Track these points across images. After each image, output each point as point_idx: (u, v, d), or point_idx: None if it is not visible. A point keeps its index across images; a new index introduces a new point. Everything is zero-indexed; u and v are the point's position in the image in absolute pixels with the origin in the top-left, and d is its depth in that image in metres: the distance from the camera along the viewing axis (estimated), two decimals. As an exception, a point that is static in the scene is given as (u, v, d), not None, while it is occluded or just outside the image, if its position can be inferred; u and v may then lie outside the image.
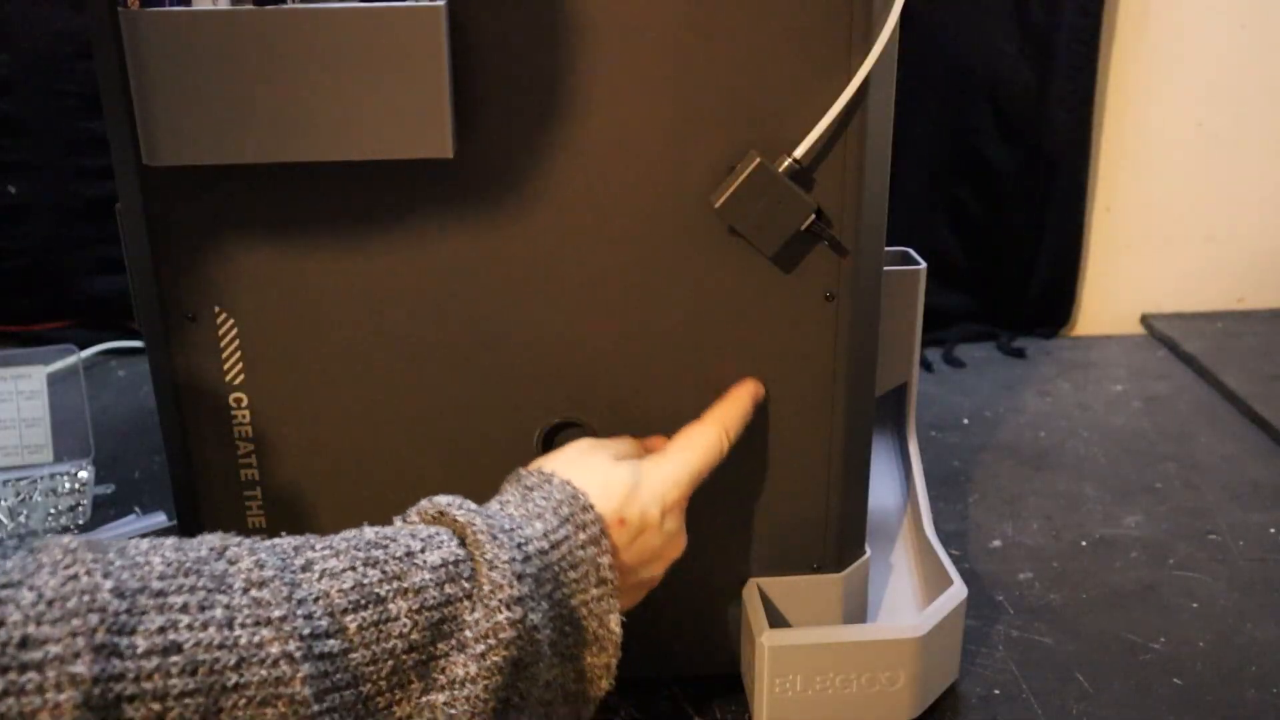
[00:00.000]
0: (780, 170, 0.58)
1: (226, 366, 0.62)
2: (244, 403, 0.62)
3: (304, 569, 0.47)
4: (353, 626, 0.46)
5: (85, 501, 0.91)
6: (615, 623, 0.54)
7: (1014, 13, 1.17)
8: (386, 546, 0.49)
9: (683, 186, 0.59)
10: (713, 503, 0.66)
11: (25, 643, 0.38)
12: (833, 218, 0.60)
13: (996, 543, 0.88)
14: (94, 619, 0.40)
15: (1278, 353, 1.20)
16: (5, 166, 1.16)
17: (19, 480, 0.93)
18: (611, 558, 0.54)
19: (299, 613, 0.44)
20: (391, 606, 0.47)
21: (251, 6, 0.53)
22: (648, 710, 0.69)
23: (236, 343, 0.61)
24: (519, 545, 0.51)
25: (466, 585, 0.49)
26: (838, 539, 0.68)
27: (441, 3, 0.53)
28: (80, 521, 0.89)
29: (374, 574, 0.47)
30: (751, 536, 0.68)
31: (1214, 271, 1.30)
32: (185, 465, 0.63)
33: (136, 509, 0.91)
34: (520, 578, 0.49)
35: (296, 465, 0.64)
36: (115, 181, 0.58)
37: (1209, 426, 1.06)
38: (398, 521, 0.53)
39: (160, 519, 0.86)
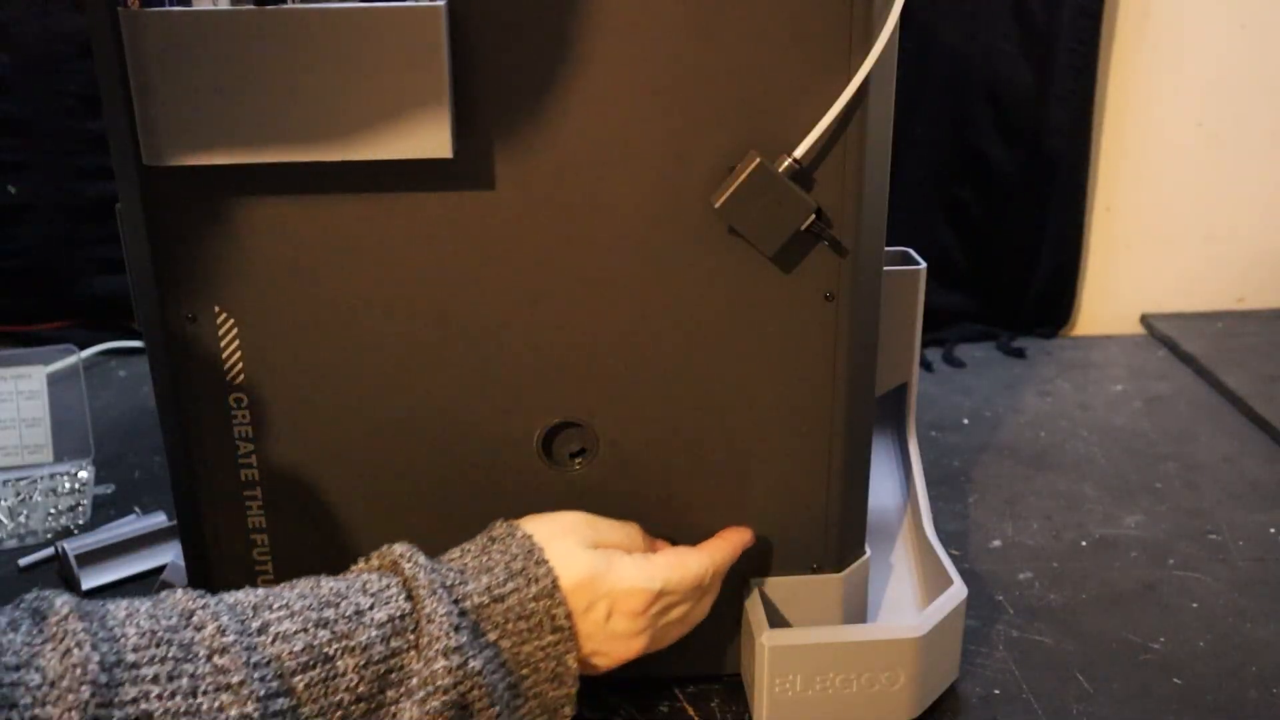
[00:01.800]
0: (780, 170, 0.58)
1: (226, 366, 0.62)
2: (244, 403, 0.62)
3: (260, 631, 0.51)
4: (300, 685, 0.51)
5: (85, 501, 0.91)
6: (573, 660, 0.58)
7: (1014, 13, 1.17)
8: (338, 605, 0.53)
9: (683, 186, 0.59)
10: (713, 504, 0.66)
11: None
12: (833, 218, 0.60)
13: (996, 543, 0.88)
14: (86, 692, 0.45)
15: (1278, 353, 1.20)
16: (5, 166, 1.16)
17: (19, 480, 0.93)
18: (566, 607, 0.57)
19: (255, 676, 0.49)
20: (339, 664, 0.52)
21: (251, 6, 0.53)
22: (648, 710, 0.69)
23: (236, 343, 0.61)
24: (455, 601, 0.55)
25: (411, 637, 0.54)
26: (838, 539, 0.68)
27: (441, 3, 0.53)
28: (80, 521, 0.89)
29: (324, 634, 0.52)
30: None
31: (1214, 271, 1.30)
32: (185, 465, 0.63)
33: (136, 509, 0.91)
34: (457, 629, 0.54)
35: (296, 465, 0.64)
36: (115, 181, 0.58)
37: (1209, 426, 1.06)
38: (361, 561, 0.58)
39: (160, 519, 0.86)
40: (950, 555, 0.74)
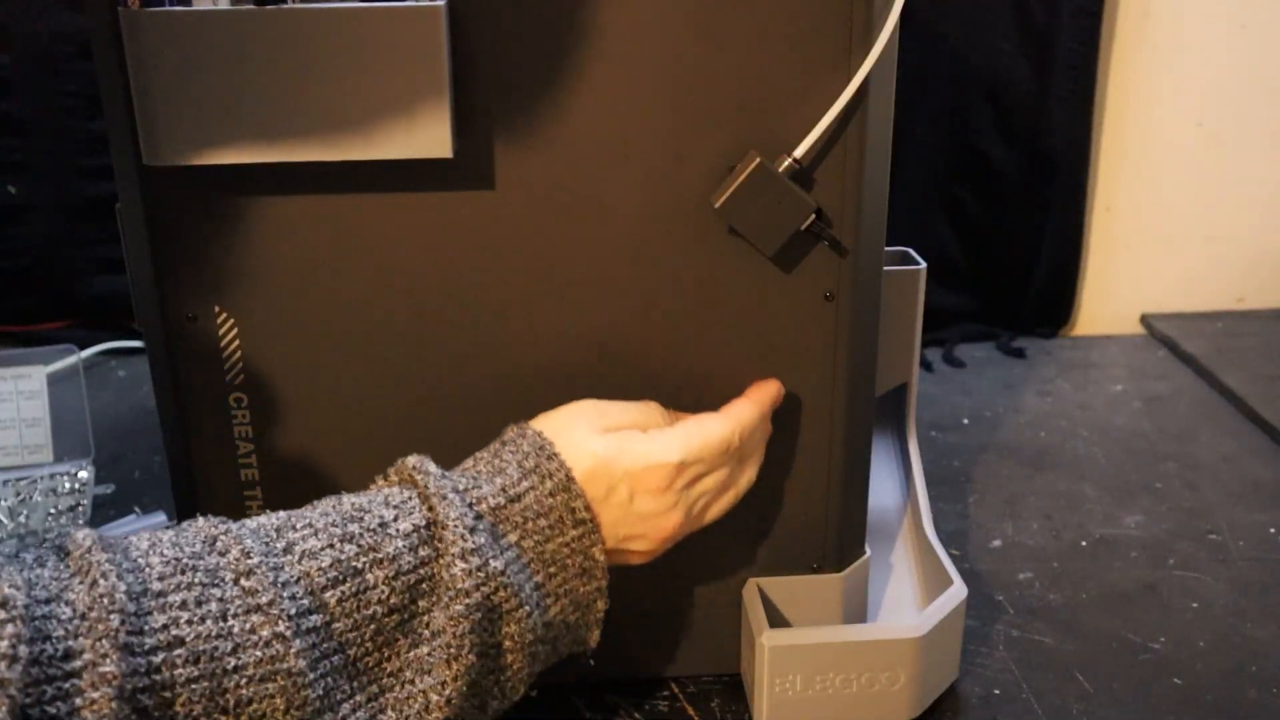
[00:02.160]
0: (780, 170, 0.58)
1: (226, 366, 0.62)
2: (244, 403, 0.62)
3: (285, 551, 0.50)
4: (332, 601, 0.50)
5: (85, 501, 0.91)
6: (599, 552, 0.57)
7: (1014, 13, 1.17)
8: (362, 519, 0.53)
9: (683, 186, 0.59)
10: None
11: (68, 654, 0.43)
12: (833, 218, 0.60)
13: (996, 543, 0.88)
14: (115, 621, 0.44)
15: (1278, 353, 1.20)
16: (5, 166, 1.16)
17: (19, 480, 0.93)
18: (585, 499, 0.56)
19: (284, 595, 0.48)
20: (369, 576, 0.51)
21: (251, 6, 0.53)
22: (648, 710, 0.69)
23: (236, 343, 0.61)
24: (469, 504, 0.54)
25: (439, 545, 0.53)
26: (838, 539, 0.68)
27: (441, 3, 0.53)
28: (80, 521, 0.89)
29: (350, 549, 0.51)
30: (751, 537, 0.68)
31: (1214, 271, 1.30)
32: (185, 465, 0.64)
33: (136, 509, 0.91)
34: (473, 531, 0.53)
35: (296, 465, 0.64)
36: (115, 181, 0.58)
37: (1209, 426, 1.06)
38: (379, 480, 0.57)
39: (160, 519, 0.86)
40: (950, 555, 0.74)
